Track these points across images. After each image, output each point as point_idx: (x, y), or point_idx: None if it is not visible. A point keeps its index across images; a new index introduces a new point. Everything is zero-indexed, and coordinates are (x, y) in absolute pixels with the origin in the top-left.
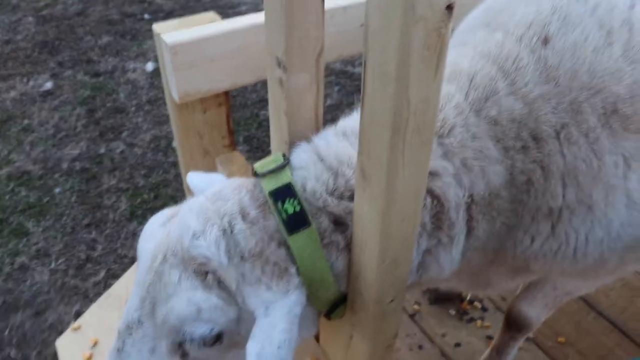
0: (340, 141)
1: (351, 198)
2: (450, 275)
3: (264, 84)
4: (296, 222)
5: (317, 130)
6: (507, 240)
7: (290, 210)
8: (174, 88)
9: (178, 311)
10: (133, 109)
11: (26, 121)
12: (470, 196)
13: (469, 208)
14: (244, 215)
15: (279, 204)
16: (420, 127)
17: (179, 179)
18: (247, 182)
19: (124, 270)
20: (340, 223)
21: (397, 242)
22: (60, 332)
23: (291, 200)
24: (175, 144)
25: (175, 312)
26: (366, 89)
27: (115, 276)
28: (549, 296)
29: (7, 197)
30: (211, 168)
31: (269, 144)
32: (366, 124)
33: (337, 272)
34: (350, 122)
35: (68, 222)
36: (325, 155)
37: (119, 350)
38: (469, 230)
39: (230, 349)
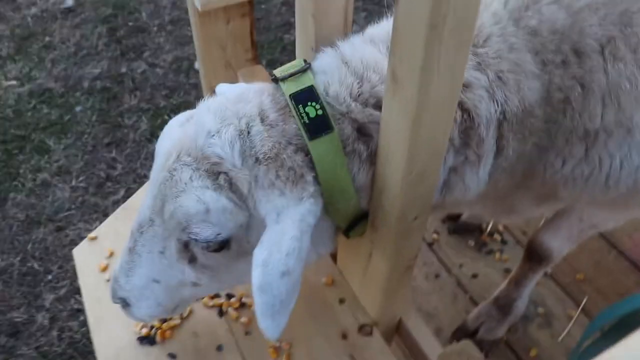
0: (367, 46)
1: (376, 106)
2: (475, 198)
3: (288, 6)
4: (318, 126)
5: (344, 36)
6: (537, 162)
7: (312, 114)
8: None
9: (186, 208)
10: (155, 28)
11: (47, 38)
12: (503, 112)
13: (500, 125)
14: (262, 118)
15: (300, 107)
16: (459, 26)
17: (200, 100)
18: (270, 86)
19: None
20: (364, 132)
21: (425, 153)
22: None
23: (313, 104)
24: (197, 65)
25: (183, 209)
26: None
27: None
28: (574, 228)
29: (29, 114)
30: (233, 81)
31: None
32: (400, 21)
33: (359, 185)
34: (378, 29)
35: (89, 141)
36: (350, 60)
37: (131, 250)
38: (499, 150)
39: (239, 258)
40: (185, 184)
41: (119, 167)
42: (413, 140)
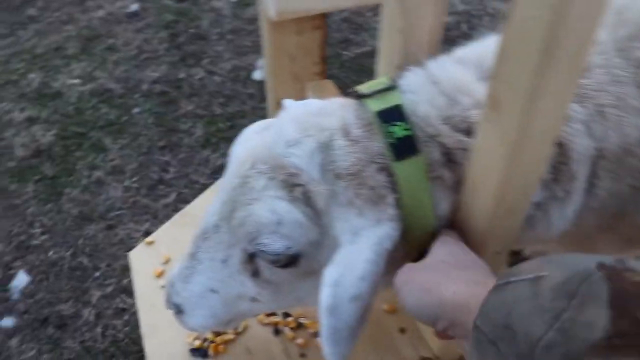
0: (457, 67)
1: (466, 131)
2: (555, 237)
3: (349, 23)
4: (405, 147)
5: (432, 55)
6: (630, 204)
7: (399, 134)
8: (272, 4)
9: (258, 217)
10: (215, 37)
11: (111, 40)
12: (600, 149)
13: (594, 163)
14: (345, 132)
15: (387, 125)
16: (575, 52)
17: (256, 111)
18: (353, 102)
19: (194, 195)
20: (451, 158)
21: (518, 187)
22: (129, 248)
23: (400, 124)
24: (256, 75)
25: (254, 218)
26: None
27: (185, 200)
28: None
29: (89, 112)
30: (300, 95)
31: (350, 85)
32: (509, 43)
33: (439, 214)
34: (468, 50)
35: (144, 143)
36: (439, 80)
37: (192, 256)
38: (590, 188)
39: (306, 278)
40: (259, 192)
41: (172, 171)
42: (508, 172)
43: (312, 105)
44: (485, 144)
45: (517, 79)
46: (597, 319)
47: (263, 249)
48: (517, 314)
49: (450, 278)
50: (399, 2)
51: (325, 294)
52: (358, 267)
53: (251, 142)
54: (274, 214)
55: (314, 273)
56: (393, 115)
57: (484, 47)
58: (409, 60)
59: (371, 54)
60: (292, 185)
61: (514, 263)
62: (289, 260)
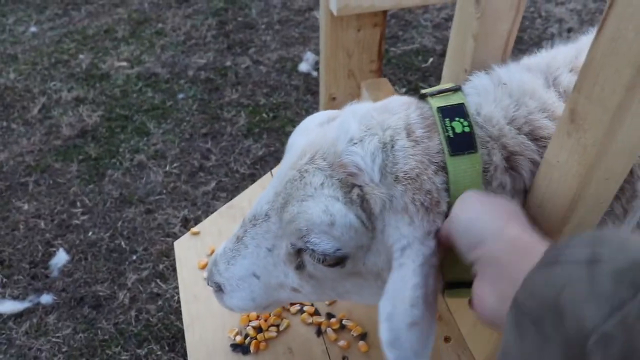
0: (524, 73)
1: (530, 134)
2: None
3: (397, 19)
4: (462, 143)
5: (502, 62)
6: None
7: (458, 129)
8: None
9: (310, 215)
10: (263, 26)
11: (160, 25)
12: None
13: None
14: (409, 132)
15: (447, 120)
16: None
17: (300, 103)
18: (416, 100)
19: (234, 184)
20: (512, 164)
21: (590, 204)
22: (167, 234)
23: (461, 120)
24: (301, 67)
25: (306, 215)
26: (614, 7)
27: (225, 189)
28: None
29: (135, 95)
30: (353, 91)
31: (395, 82)
32: (599, 56)
33: None
34: (536, 59)
35: (187, 129)
36: (507, 82)
37: (238, 239)
38: None
39: (350, 277)
40: (315, 189)
41: (213, 159)
42: (582, 188)
43: (376, 103)
44: (558, 157)
45: (605, 93)
46: None
47: (312, 247)
48: (568, 296)
49: (513, 218)
50: (478, 8)
51: (382, 330)
52: (407, 295)
53: (312, 134)
54: (327, 215)
55: (358, 274)
56: (454, 112)
57: (552, 56)
58: (478, 65)
59: (418, 52)
60: (350, 186)
61: None
62: (336, 261)
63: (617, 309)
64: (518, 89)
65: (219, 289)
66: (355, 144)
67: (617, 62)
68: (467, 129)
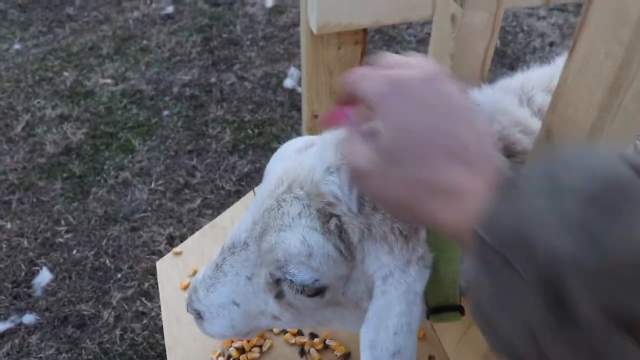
0: (497, 93)
1: (506, 150)
2: None
3: (381, 34)
4: None
5: (479, 83)
6: None
7: None
8: (314, 17)
9: (288, 246)
10: (248, 42)
11: (145, 42)
12: None
13: None
14: None
15: None
16: None
17: (285, 119)
18: None
19: (219, 201)
20: None
21: None
22: (152, 251)
23: None
24: (286, 83)
25: (284, 246)
26: (584, 29)
27: (210, 206)
28: None
29: (119, 112)
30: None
31: None
32: (571, 75)
33: None
34: (511, 80)
35: (172, 146)
36: (480, 102)
37: (217, 267)
38: None
39: (329, 306)
40: (293, 219)
41: (198, 176)
42: None
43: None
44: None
45: (578, 114)
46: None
47: (290, 278)
48: (536, 229)
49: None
50: (454, 27)
51: (364, 358)
52: (390, 323)
53: (290, 161)
54: (304, 246)
55: (338, 302)
56: None
57: (526, 77)
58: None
59: None
60: (328, 215)
61: None
62: (315, 292)
63: (592, 239)
64: (491, 107)
65: (198, 316)
66: (332, 172)
67: (589, 83)
68: None
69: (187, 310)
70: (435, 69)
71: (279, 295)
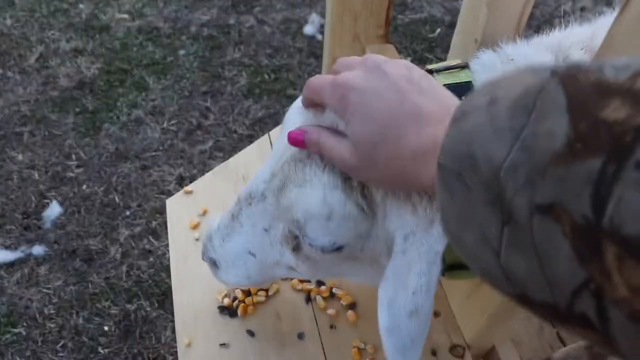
0: (533, 49)
1: None
2: None
3: None
4: None
5: (516, 36)
6: None
7: None
8: None
9: (307, 206)
10: None
11: None
12: None
13: None
14: None
15: None
16: None
17: (303, 66)
18: None
19: (231, 144)
20: None
21: None
22: (162, 191)
23: None
24: (306, 29)
25: (303, 205)
26: None
27: (222, 149)
28: None
29: (134, 49)
30: (358, 55)
31: (401, 50)
32: (621, 33)
33: None
34: (549, 37)
35: (186, 86)
36: (515, 57)
37: (234, 217)
38: None
39: (347, 260)
40: (315, 174)
41: (211, 118)
42: None
43: None
44: None
45: None
46: (557, 127)
47: (308, 240)
48: (476, 141)
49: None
50: None
51: (382, 316)
52: (410, 282)
53: (310, 112)
54: (325, 206)
55: (355, 258)
56: (462, 90)
57: (564, 35)
58: (490, 37)
59: (426, 21)
60: None
61: None
62: (333, 250)
63: (516, 136)
64: (525, 64)
65: (214, 264)
66: None
67: (638, 44)
68: None
69: (202, 259)
70: (378, 58)
71: (296, 249)
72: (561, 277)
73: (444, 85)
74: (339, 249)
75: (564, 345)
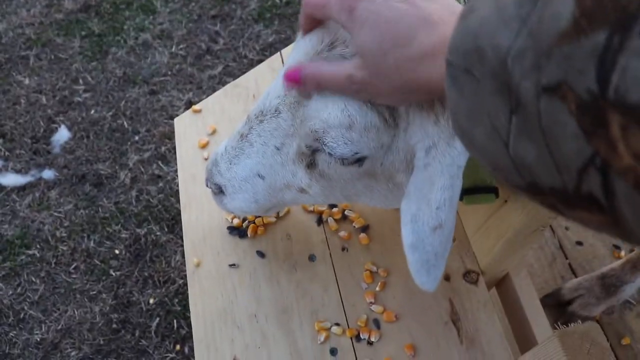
0: None
1: None
2: None
3: None
4: None
5: None
6: None
7: None
8: None
9: (327, 116)
10: None
11: None
12: None
13: None
14: None
15: None
16: None
17: None
18: None
19: (241, 69)
20: None
21: None
22: (171, 116)
23: None
24: None
25: (322, 116)
26: None
27: (232, 74)
28: None
29: None
30: None
31: None
32: None
33: None
34: None
35: (195, 9)
36: None
37: (242, 137)
38: None
39: (362, 178)
40: None
41: (221, 42)
42: None
43: None
44: None
45: None
46: (562, 7)
47: (328, 150)
48: (483, 33)
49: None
50: None
51: (405, 232)
52: (433, 196)
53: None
54: (345, 115)
55: (373, 174)
56: None
57: None
58: None
59: None
60: None
61: None
62: (354, 161)
63: (522, 23)
64: None
65: (219, 190)
66: None
67: None
68: None
69: (207, 185)
70: None
71: (311, 165)
72: (568, 157)
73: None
74: (359, 160)
75: (576, 276)
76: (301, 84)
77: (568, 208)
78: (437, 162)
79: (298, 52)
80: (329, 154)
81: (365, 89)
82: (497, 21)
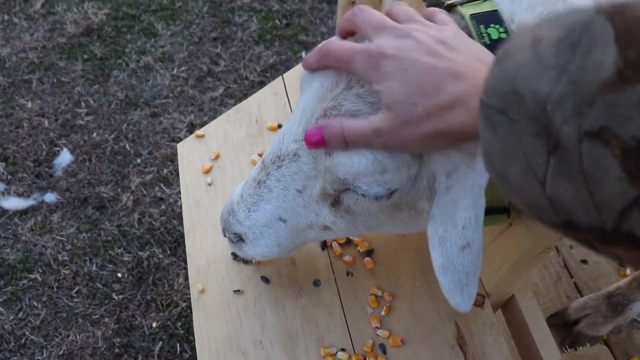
0: None
1: None
2: None
3: None
4: None
5: None
6: None
7: (494, 36)
8: None
9: (357, 168)
10: None
11: None
12: None
13: None
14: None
15: (481, 27)
16: None
17: (315, 11)
18: (443, 12)
19: (242, 91)
20: None
21: None
22: (172, 138)
23: (496, 26)
24: None
25: (352, 169)
26: None
27: (233, 96)
28: None
29: None
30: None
31: None
32: None
33: None
34: None
35: (196, 32)
36: None
37: (260, 183)
38: None
39: (387, 208)
40: None
41: (222, 64)
42: None
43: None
44: None
45: None
46: (604, 58)
47: (361, 192)
48: (521, 78)
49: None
50: None
51: (435, 255)
52: (458, 217)
53: None
54: (376, 165)
55: (398, 205)
56: (489, 18)
57: None
58: None
59: None
60: None
61: None
62: (385, 195)
63: (562, 71)
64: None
65: (238, 239)
66: None
67: None
68: (503, 35)
69: (224, 235)
70: (405, 13)
71: (336, 204)
72: (610, 199)
73: (470, 15)
74: (391, 194)
75: (581, 295)
76: (326, 145)
77: (605, 245)
78: (458, 184)
79: (311, 96)
80: (362, 195)
81: (393, 142)
82: (536, 67)
